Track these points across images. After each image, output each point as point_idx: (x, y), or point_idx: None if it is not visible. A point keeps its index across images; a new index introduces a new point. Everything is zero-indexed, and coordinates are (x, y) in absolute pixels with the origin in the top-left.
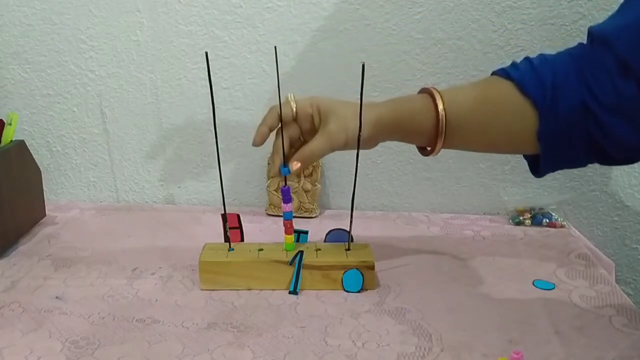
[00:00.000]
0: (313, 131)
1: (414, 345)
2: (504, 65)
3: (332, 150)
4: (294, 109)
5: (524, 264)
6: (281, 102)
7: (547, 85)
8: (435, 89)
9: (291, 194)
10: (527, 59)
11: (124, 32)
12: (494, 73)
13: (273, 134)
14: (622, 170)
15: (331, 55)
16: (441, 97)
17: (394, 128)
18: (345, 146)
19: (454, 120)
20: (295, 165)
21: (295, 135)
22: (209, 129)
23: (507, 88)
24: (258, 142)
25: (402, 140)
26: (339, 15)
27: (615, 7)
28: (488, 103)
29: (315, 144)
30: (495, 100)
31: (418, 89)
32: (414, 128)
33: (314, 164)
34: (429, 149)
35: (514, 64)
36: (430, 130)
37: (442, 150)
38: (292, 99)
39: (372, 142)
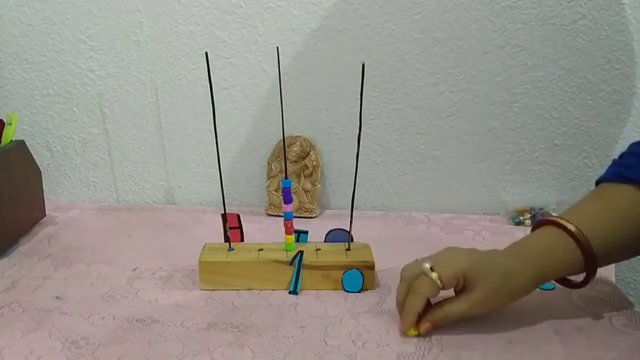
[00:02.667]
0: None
1: (414, 345)
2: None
3: (470, 317)
4: (441, 287)
5: None
6: (422, 280)
7: None
8: (558, 217)
9: (292, 194)
10: (628, 154)
11: (124, 32)
12: (601, 180)
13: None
14: None
15: (331, 55)
16: (580, 232)
17: (547, 278)
18: (484, 314)
19: (600, 247)
20: (426, 328)
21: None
22: (209, 129)
23: (632, 192)
24: (406, 331)
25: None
26: (339, 15)
27: (615, 7)
28: (624, 216)
29: (453, 308)
30: (628, 210)
31: (418, 89)
32: (563, 271)
33: (314, 164)
34: (575, 281)
35: (618, 164)
36: (578, 265)
37: (443, 149)
38: (432, 274)
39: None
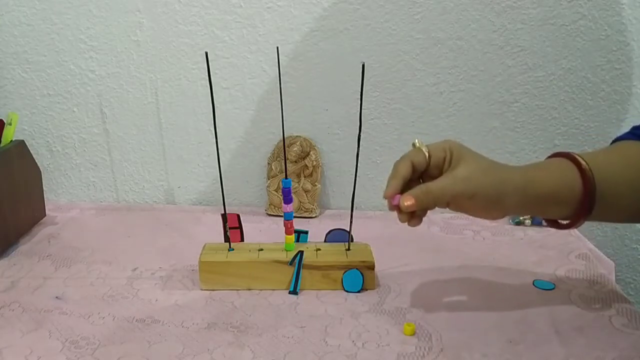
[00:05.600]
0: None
1: (414, 345)
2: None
3: (453, 196)
4: (427, 155)
5: (524, 264)
6: (408, 154)
7: None
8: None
9: (292, 194)
10: None
11: (124, 32)
12: (618, 139)
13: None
14: None
15: (331, 55)
16: (581, 157)
17: (542, 195)
18: (470, 198)
19: (602, 182)
20: (407, 200)
21: (419, 163)
22: (209, 129)
23: None
24: (389, 195)
25: (536, 209)
26: (339, 15)
27: (615, 7)
28: (634, 165)
29: (436, 182)
30: (637, 162)
31: (418, 89)
32: (557, 193)
33: (314, 164)
34: (565, 222)
35: (633, 129)
36: (575, 194)
37: None
38: (421, 144)
39: (507, 208)
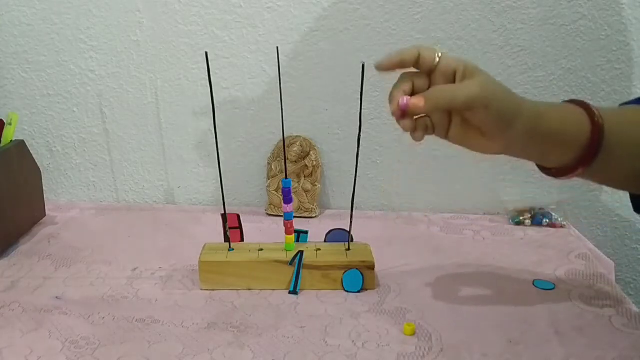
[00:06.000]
0: None
1: (414, 345)
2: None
3: (467, 99)
4: (438, 57)
5: (524, 264)
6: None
7: None
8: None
9: (292, 194)
10: None
11: (124, 32)
12: (625, 104)
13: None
14: None
15: (331, 55)
16: (596, 109)
17: (546, 134)
18: (485, 107)
19: (610, 133)
20: (417, 99)
21: (420, 88)
22: (209, 129)
23: None
24: (384, 66)
25: (541, 146)
26: (339, 15)
27: (615, 7)
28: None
29: (450, 85)
30: None
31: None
32: (565, 138)
33: (314, 164)
34: (563, 168)
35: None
36: (582, 137)
37: (443, 149)
38: (439, 49)
39: (515, 134)
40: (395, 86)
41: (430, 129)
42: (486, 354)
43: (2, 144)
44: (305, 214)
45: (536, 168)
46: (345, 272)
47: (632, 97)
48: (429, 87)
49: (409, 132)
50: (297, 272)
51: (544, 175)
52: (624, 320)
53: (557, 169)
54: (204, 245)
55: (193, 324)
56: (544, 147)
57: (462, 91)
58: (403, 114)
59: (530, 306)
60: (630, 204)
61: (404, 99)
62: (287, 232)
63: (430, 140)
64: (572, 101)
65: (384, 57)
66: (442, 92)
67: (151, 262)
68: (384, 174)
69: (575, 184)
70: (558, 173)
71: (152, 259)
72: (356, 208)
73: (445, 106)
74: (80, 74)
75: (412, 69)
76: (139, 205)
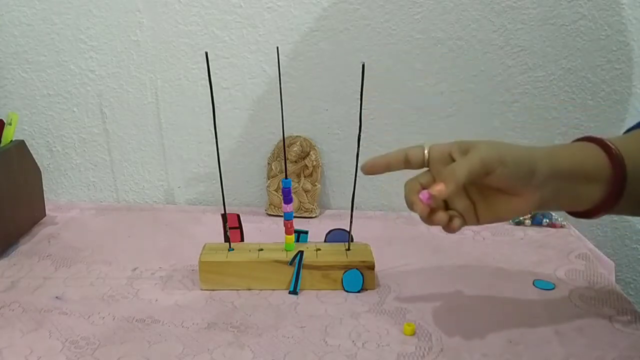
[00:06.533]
0: None
1: (414, 345)
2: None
3: (482, 162)
4: (427, 152)
5: (524, 264)
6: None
7: None
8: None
9: (292, 194)
10: None
11: (124, 32)
12: (632, 129)
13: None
14: None
15: (331, 55)
16: (609, 140)
17: (569, 172)
18: (501, 163)
19: (630, 161)
20: (437, 186)
21: (428, 184)
22: (209, 129)
23: None
24: (367, 170)
25: (568, 187)
26: (339, 15)
27: (615, 7)
28: None
29: (459, 160)
30: None
31: (418, 89)
32: (587, 173)
33: (314, 164)
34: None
35: None
36: (603, 171)
37: None
38: (426, 144)
39: (539, 180)
40: (406, 190)
41: (461, 220)
42: (486, 354)
43: (2, 144)
44: (305, 214)
45: None
46: (345, 272)
47: (633, 97)
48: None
49: (445, 227)
50: (297, 272)
51: (580, 220)
52: (624, 320)
53: (592, 209)
54: (204, 245)
55: (193, 324)
56: (572, 187)
57: (474, 158)
58: (430, 208)
59: (530, 306)
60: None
61: (424, 193)
62: (287, 232)
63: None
64: (579, 139)
65: (369, 160)
66: (457, 167)
67: (151, 262)
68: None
69: None
70: (594, 212)
71: (152, 259)
72: (356, 208)
73: (465, 178)
74: (80, 74)
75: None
76: (139, 205)
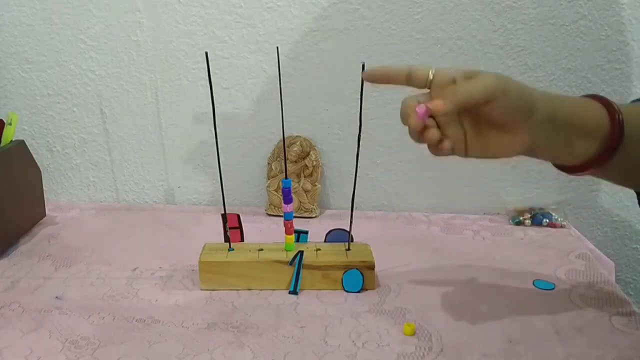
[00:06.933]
0: None
1: (414, 345)
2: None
3: (485, 87)
4: (432, 73)
5: (524, 264)
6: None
7: None
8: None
9: (292, 194)
10: None
11: (124, 32)
12: (635, 101)
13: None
14: None
15: (331, 55)
16: (613, 102)
17: (568, 120)
18: (503, 92)
19: (629, 127)
20: (437, 102)
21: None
22: (209, 128)
23: None
24: (367, 76)
25: (563, 137)
26: (339, 15)
27: (615, 7)
28: None
29: (462, 82)
30: None
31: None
32: (586, 126)
33: (314, 164)
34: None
35: None
36: (602, 125)
37: None
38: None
39: (537, 120)
40: (404, 104)
41: (450, 143)
42: (486, 354)
43: (2, 144)
44: (305, 214)
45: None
46: (345, 272)
47: (632, 97)
48: None
49: (433, 147)
50: (297, 272)
51: (562, 173)
52: (624, 320)
53: (579, 164)
54: (204, 245)
55: (193, 324)
56: (567, 137)
57: (478, 83)
58: (423, 125)
59: (530, 306)
60: (627, 200)
61: (421, 107)
62: (287, 232)
63: None
64: (585, 96)
65: (372, 67)
66: (459, 87)
67: (151, 262)
68: (384, 174)
69: (576, 184)
70: (580, 169)
71: (152, 259)
72: (356, 208)
73: (465, 101)
74: (80, 74)
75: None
76: (139, 205)
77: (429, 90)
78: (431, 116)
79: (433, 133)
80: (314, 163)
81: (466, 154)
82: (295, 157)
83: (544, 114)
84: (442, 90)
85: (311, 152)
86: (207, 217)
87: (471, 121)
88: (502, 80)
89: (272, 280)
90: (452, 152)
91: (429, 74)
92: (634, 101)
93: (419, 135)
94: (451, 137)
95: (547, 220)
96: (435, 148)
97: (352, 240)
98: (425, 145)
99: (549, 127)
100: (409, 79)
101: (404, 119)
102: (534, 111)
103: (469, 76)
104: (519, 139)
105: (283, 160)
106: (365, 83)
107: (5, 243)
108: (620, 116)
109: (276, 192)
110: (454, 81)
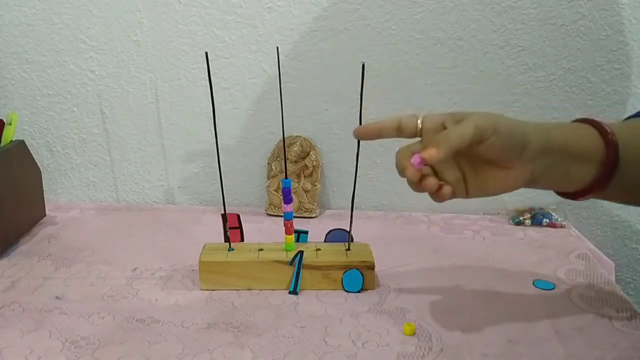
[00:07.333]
0: None
1: (414, 345)
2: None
3: (475, 128)
4: (420, 122)
5: (524, 264)
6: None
7: None
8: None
9: (292, 194)
10: None
11: (124, 32)
12: (630, 117)
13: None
14: None
15: (331, 55)
16: (605, 123)
17: (562, 148)
18: (494, 132)
19: (624, 147)
20: (431, 151)
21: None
22: (209, 129)
23: None
24: (358, 133)
25: (561, 164)
26: (339, 15)
27: (615, 7)
28: None
29: (452, 127)
30: None
31: (418, 89)
32: (581, 152)
33: (314, 164)
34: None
35: None
36: (597, 149)
37: None
38: (420, 114)
39: (532, 152)
40: (398, 156)
41: (450, 189)
42: (486, 354)
43: (2, 144)
44: (305, 214)
45: None
46: (345, 272)
47: (632, 97)
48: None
49: (434, 194)
50: (297, 272)
51: (566, 200)
52: (624, 320)
53: (581, 189)
54: (204, 245)
55: (193, 324)
56: (565, 164)
57: (468, 125)
58: (420, 174)
59: (530, 306)
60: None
61: (416, 157)
62: (287, 232)
63: None
64: (576, 120)
65: (362, 125)
66: (450, 132)
67: (151, 262)
68: (384, 174)
69: None
70: (581, 193)
71: (152, 259)
72: (356, 208)
73: (458, 145)
74: (80, 74)
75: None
76: (139, 205)
77: (420, 139)
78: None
79: (431, 182)
80: (314, 163)
81: (467, 195)
82: (295, 157)
83: (538, 146)
84: (433, 136)
85: (311, 152)
86: (207, 217)
87: (467, 162)
88: (492, 119)
89: (272, 280)
90: (454, 195)
91: (417, 123)
92: (626, 119)
93: (417, 185)
94: (450, 180)
95: (547, 220)
96: (436, 195)
97: (352, 240)
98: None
99: (545, 158)
100: (399, 131)
101: (400, 171)
102: (527, 145)
103: (458, 119)
104: (516, 174)
105: (283, 160)
106: (365, 83)
107: (5, 243)
108: (614, 137)
109: (276, 192)
110: (443, 126)
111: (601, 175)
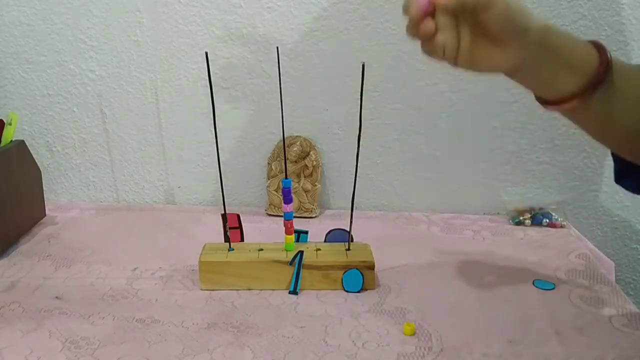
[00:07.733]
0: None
1: (414, 345)
2: None
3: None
4: None
5: (524, 264)
6: None
7: None
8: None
9: (292, 194)
10: None
11: (124, 32)
12: None
13: None
14: None
15: (331, 55)
16: (608, 50)
17: (555, 50)
18: (503, 3)
19: (618, 69)
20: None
21: None
22: (209, 129)
23: None
24: (415, 9)
25: (550, 66)
26: (339, 15)
27: (615, 7)
28: None
29: None
30: None
31: (418, 89)
32: (572, 61)
33: (314, 164)
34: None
35: None
36: (590, 61)
37: (443, 149)
38: None
39: (529, 42)
40: None
41: (444, 39)
42: (486, 354)
43: (2, 144)
44: (305, 214)
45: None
46: (345, 272)
47: None
48: None
49: (426, 42)
50: (297, 272)
51: (542, 106)
52: (624, 320)
53: (558, 99)
54: (204, 245)
55: (193, 324)
56: (553, 66)
57: None
58: (423, 14)
59: (530, 306)
60: (627, 200)
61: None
62: (287, 232)
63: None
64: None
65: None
66: None
67: (151, 262)
68: (384, 174)
69: (576, 184)
70: (556, 103)
71: (152, 259)
72: (356, 208)
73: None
74: (80, 74)
75: None
76: (139, 205)
77: None
78: (432, 17)
79: (429, 24)
80: (314, 163)
81: (455, 61)
82: (295, 157)
83: (537, 36)
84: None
85: (311, 152)
86: (207, 217)
87: (467, 30)
88: None
89: (272, 280)
90: (443, 53)
91: None
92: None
93: (415, 27)
94: (445, 41)
95: (547, 220)
96: (428, 43)
97: (352, 240)
98: (424, 145)
99: (538, 52)
100: None
101: (406, 8)
102: (528, 30)
103: None
104: (507, 55)
105: (283, 160)
106: (365, 83)
107: (5, 243)
108: (610, 62)
109: (276, 192)
110: None
111: (582, 91)
